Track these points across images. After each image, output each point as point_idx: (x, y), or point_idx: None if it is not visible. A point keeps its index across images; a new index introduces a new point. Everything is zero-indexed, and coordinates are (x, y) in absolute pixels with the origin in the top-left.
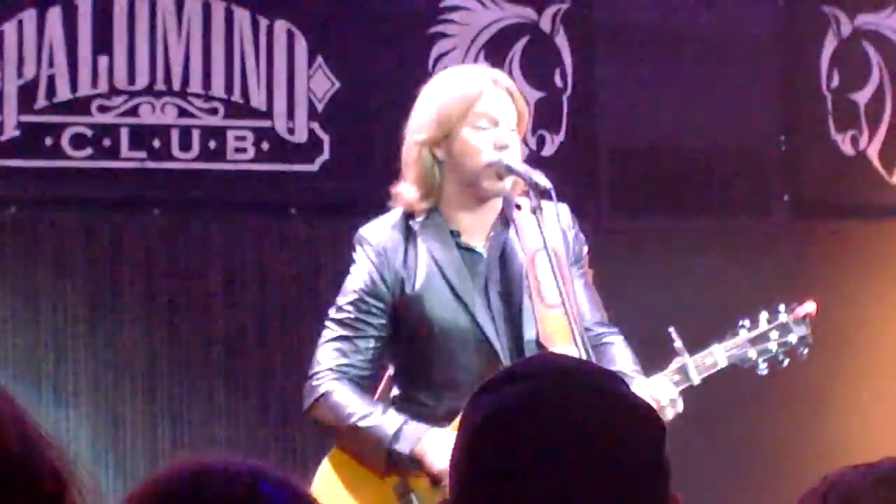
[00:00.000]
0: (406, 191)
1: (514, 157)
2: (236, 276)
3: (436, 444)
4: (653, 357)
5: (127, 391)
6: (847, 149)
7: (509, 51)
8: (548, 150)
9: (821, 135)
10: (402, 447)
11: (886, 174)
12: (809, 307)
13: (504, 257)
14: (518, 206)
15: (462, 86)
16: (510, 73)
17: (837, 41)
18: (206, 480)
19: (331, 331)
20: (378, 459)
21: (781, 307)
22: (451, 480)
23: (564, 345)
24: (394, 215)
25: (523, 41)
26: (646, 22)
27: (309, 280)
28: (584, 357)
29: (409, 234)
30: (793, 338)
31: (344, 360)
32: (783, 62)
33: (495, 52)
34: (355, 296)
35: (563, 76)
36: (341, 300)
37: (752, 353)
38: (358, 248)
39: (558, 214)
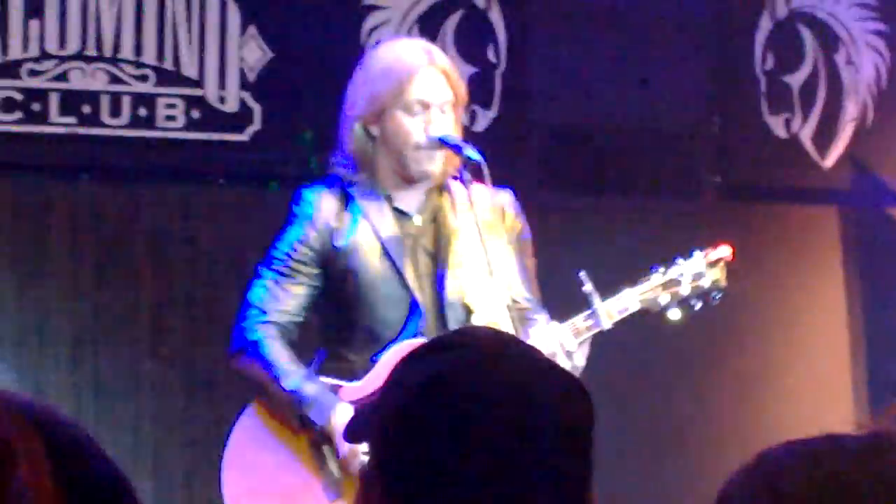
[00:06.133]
0: (340, 161)
1: (446, 132)
2: (163, 245)
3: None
4: None
5: (51, 359)
6: (780, 131)
7: (443, 25)
8: (480, 126)
9: (753, 117)
10: (316, 417)
11: (819, 158)
12: (724, 251)
13: (436, 222)
14: (455, 177)
15: (396, 66)
16: (443, 48)
17: (773, 23)
18: None
19: (262, 277)
20: (293, 420)
21: (696, 252)
22: (375, 442)
23: (485, 311)
24: (331, 180)
25: (457, 15)
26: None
27: (236, 250)
28: (505, 321)
29: (344, 195)
30: (705, 282)
31: (275, 303)
32: (717, 43)
33: (429, 25)
34: (288, 246)
35: (497, 52)
36: (274, 251)
37: (663, 298)
38: (294, 206)
39: (496, 195)
